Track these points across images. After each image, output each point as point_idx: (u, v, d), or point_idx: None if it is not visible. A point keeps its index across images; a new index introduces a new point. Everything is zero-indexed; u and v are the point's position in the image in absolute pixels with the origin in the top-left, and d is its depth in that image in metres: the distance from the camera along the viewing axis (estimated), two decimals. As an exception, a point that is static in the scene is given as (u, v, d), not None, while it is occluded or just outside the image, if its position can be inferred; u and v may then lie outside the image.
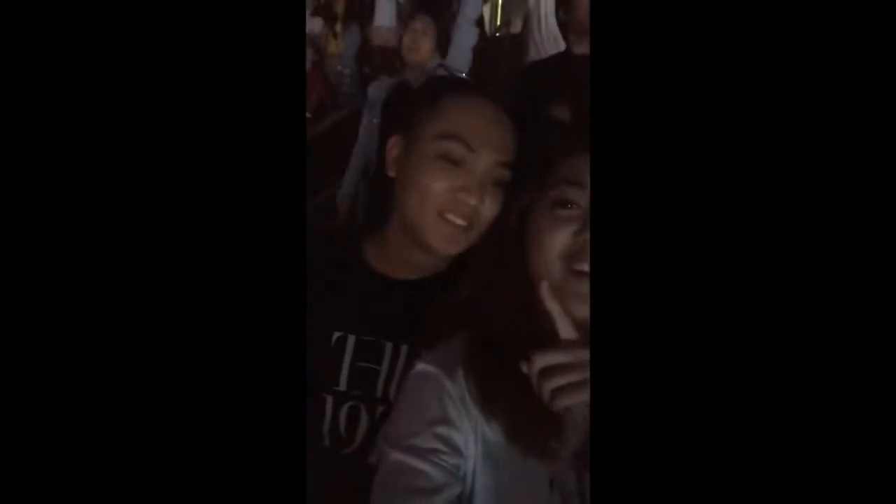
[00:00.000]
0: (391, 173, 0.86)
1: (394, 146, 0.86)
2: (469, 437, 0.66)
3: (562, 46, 1.97)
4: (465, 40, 1.61)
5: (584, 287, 0.66)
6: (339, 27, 2.06)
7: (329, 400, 0.83)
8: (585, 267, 0.67)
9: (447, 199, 0.79)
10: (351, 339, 0.84)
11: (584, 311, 0.66)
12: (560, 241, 0.69)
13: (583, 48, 1.86)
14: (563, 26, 1.97)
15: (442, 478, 0.63)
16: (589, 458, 0.60)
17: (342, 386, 0.83)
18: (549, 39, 2.16)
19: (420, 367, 0.69)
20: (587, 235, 0.67)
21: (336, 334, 0.84)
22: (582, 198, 0.69)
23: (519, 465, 0.64)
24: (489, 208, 0.80)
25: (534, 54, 2.32)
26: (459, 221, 0.80)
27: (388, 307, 0.84)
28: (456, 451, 0.65)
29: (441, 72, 2.08)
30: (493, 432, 0.65)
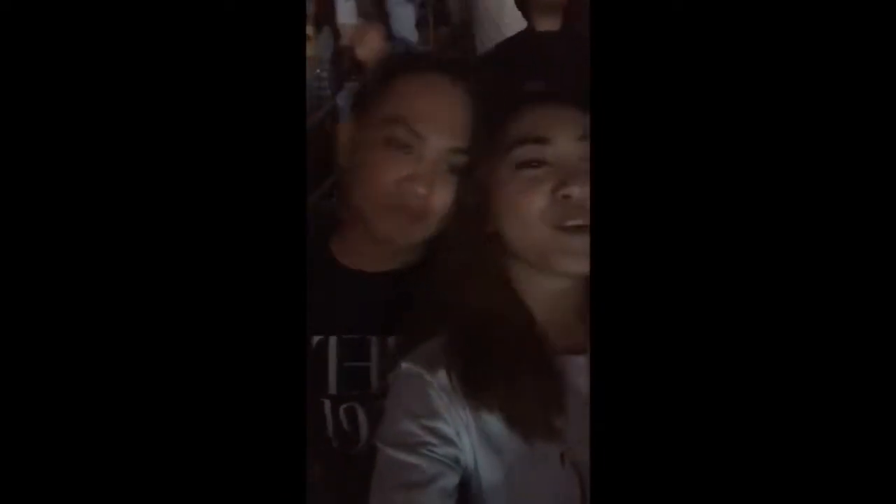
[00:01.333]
0: (341, 162, 0.84)
1: (341, 132, 0.84)
2: (460, 427, 0.65)
3: (523, 25, 2.05)
4: (404, 14, 1.62)
5: (578, 242, 0.65)
6: (310, 30, 2.08)
7: (327, 404, 0.82)
8: (570, 222, 0.66)
9: (394, 189, 0.74)
10: (332, 341, 0.81)
11: (576, 266, 0.66)
12: (537, 203, 0.67)
13: (547, 25, 1.95)
14: (521, 4, 2.04)
15: (434, 469, 0.63)
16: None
17: (332, 389, 0.81)
18: (509, 19, 2.24)
19: (403, 366, 0.69)
20: (569, 191, 0.66)
21: (316, 338, 0.81)
22: (547, 153, 0.67)
23: (524, 448, 0.64)
24: (442, 197, 0.75)
25: (495, 35, 2.40)
26: (408, 213, 0.75)
27: (363, 302, 0.81)
28: (447, 441, 0.65)
29: (398, 48, 2.06)
30: (490, 422, 0.65)
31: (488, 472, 0.65)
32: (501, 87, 0.77)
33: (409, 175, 0.74)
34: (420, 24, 2.64)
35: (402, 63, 0.85)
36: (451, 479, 0.64)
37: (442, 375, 0.67)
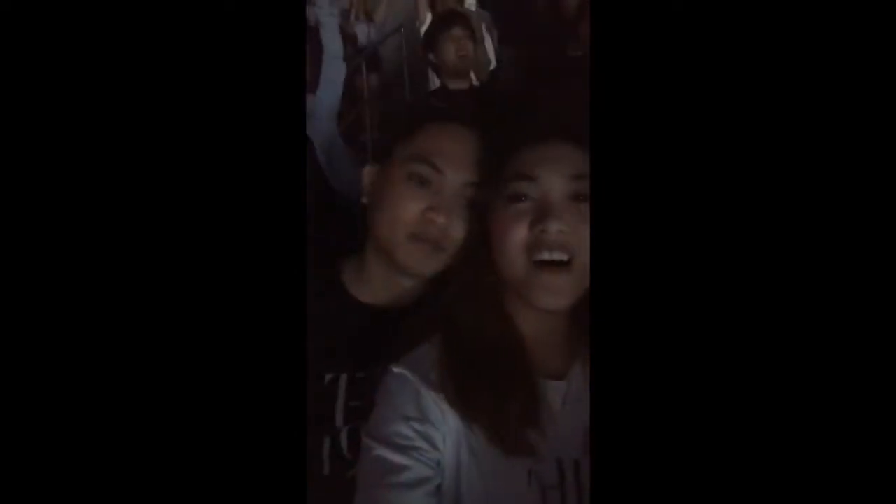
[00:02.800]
0: (364, 200, 0.89)
1: (368, 174, 0.89)
2: (445, 433, 0.67)
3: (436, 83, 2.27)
4: (332, 74, 1.64)
5: (555, 279, 0.68)
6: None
7: (327, 441, 0.83)
8: (545, 256, 0.68)
9: (417, 219, 0.80)
10: (343, 379, 0.83)
11: (552, 302, 0.69)
12: (519, 235, 0.69)
13: (458, 84, 2.17)
14: (435, 68, 2.27)
15: (423, 471, 0.64)
16: (575, 446, 0.66)
17: (338, 423, 0.83)
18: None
19: (396, 370, 0.71)
20: (544, 226, 0.68)
21: (328, 377, 0.83)
22: (533, 190, 0.70)
23: (500, 460, 0.66)
24: (458, 228, 0.80)
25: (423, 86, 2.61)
26: (428, 241, 0.80)
27: (376, 337, 0.82)
28: (434, 446, 0.66)
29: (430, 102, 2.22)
30: (474, 431, 0.67)
31: (468, 477, 0.67)
32: (506, 127, 0.84)
33: (429, 206, 0.80)
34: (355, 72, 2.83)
35: (424, 114, 1.02)
36: (435, 483, 0.66)
37: (432, 378, 0.69)
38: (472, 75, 2.30)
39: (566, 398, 0.71)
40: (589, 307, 0.52)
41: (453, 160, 0.81)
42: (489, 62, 2.69)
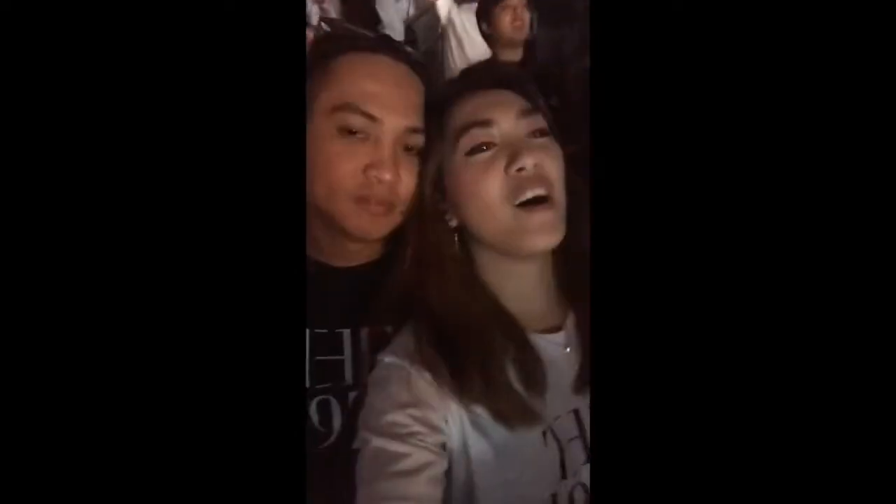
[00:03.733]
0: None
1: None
2: (447, 413, 0.65)
3: (488, 54, 2.33)
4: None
5: (540, 216, 0.66)
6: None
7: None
8: (528, 195, 0.66)
9: (358, 180, 0.70)
10: (307, 335, 0.78)
11: (542, 242, 0.67)
12: (495, 184, 0.66)
13: (510, 55, 2.23)
14: (487, 38, 2.32)
15: (424, 457, 0.63)
16: (588, 394, 0.65)
17: (307, 382, 0.77)
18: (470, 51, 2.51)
19: (384, 358, 0.69)
20: (520, 164, 0.65)
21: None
22: (492, 136, 0.67)
23: (507, 432, 0.65)
24: (406, 182, 0.72)
25: (461, 63, 2.67)
26: (376, 202, 0.71)
27: (335, 296, 0.78)
28: (434, 429, 0.64)
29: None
30: (477, 408, 0.66)
31: (478, 453, 0.65)
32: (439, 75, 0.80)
33: (371, 162, 0.70)
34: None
35: (339, 44, 0.76)
36: (440, 467, 0.64)
37: (422, 365, 0.67)
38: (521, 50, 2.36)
39: (568, 346, 0.71)
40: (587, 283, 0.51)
41: (388, 103, 0.70)
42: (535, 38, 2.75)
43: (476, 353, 0.66)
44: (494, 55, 2.27)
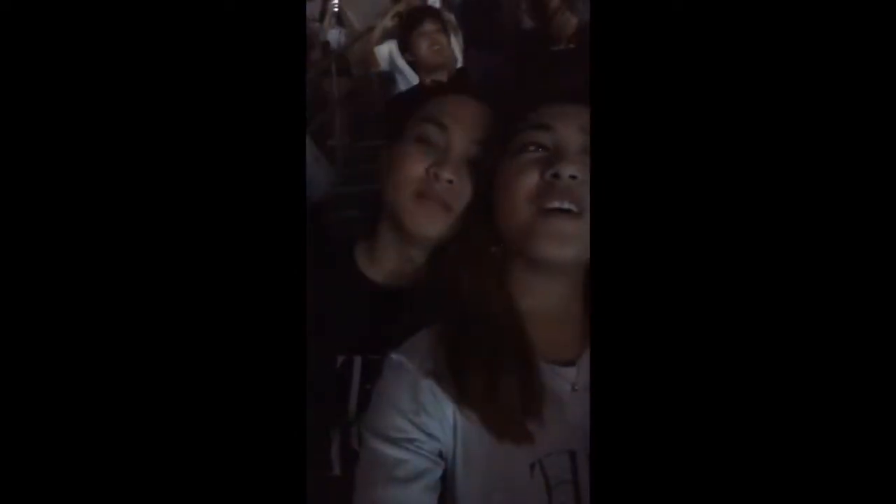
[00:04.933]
0: (377, 182, 0.87)
1: (383, 153, 0.87)
2: (443, 421, 0.65)
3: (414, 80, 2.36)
4: None
5: (561, 225, 0.64)
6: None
7: (337, 434, 0.79)
8: (555, 204, 0.64)
9: (422, 178, 0.78)
10: (357, 361, 0.80)
11: (557, 252, 0.65)
12: (528, 182, 0.66)
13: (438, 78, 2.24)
14: (412, 66, 2.35)
15: (420, 464, 0.62)
16: (589, 440, 0.59)
17: (351, 408, 0.79)
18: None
19: (394, 357, 0.68)
20: (557, 170, 0.64)
21: (340, 358, 0.80)
22: (547, 139, 0.67)
23: (496, 448, 0.63)
24: (465, 186, 0.78)
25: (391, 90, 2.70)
26: (436, 200, 0.78)
27: (387, 319, 0.78)
28: (432, 437, 0.64)
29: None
30: (470, 418, 0.64)
31: (463, 468, 0.64)
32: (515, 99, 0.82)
33: (436, 162, 0.78)
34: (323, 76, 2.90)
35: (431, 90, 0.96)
36: (435, 474, 0.63)
37: (428, 366, 0.66)
38: (445, 72, 2.39)
39: (576, 385, 0.67)
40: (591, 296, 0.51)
41: (459, 119, 0.80)
42: (456, 60, 2.80)
43: (483, 354, 0.65)
44: (421, 80, 2.30)
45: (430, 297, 0.73)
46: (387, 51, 2.66)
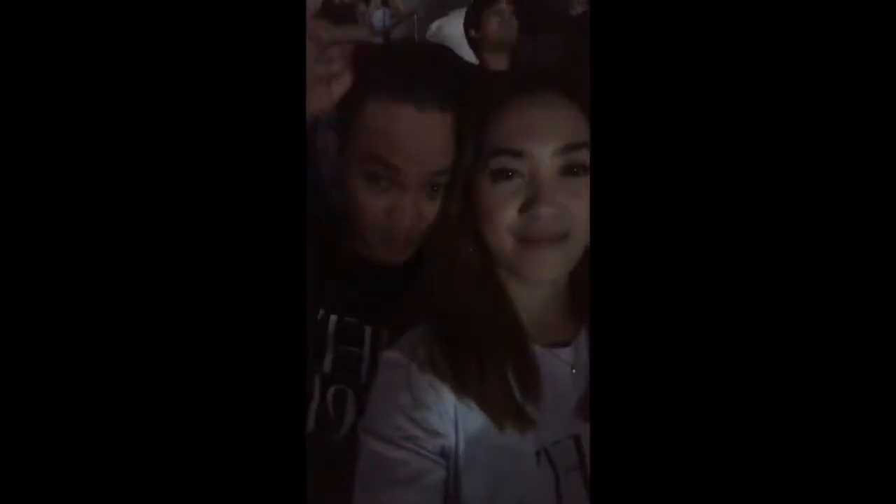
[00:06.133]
0: (331, 169, 0.83)
1: (330, 142, 0.80)
2: (444, 415, 0.64)
3: (475, 61, 2.23)
4: None
5: (536, 254, 0.65)
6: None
7: (317, 380, 0.80)
8: (535, 236, 0.64)
9: (383, 221, 0.76)
10: (333, 319, 0.82)
11: (542, 274, 0.66)
12: (508, 217, 0.65)
13: (497, 62, 2.15)
14: (474, 44, 2.23)
15: (420, 464, 0.61)
16: (589, 422, 0.62)
17: (326, 368, 0.81)
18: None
19: (388, 355, 0.68)
20: (535, 212, 0.64)
21: (321, 311, 0.82)
22: (520, 165, 0.64)
23: (500, 439, 0.63)
24: (427, 217, 0.76)
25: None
26: (398, 238, 0.77)
27: (370, 291, 0.81)
28: (433, 433, 0.63)
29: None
30: (472, 410, 0.64)
31: (468, 463, 0.64)
32: (478, 93, 0.72)
33: (393, 206, 0.75)
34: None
35: (366, 91, 0.74)
36: (438, 474, 0.62)
37: (424, 360, 0.65)
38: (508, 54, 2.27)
39: (575, 366, 0.69)
40: (589, 278, 0.50)
41: (413, 153, 0.72)
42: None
43: (477, 350, 0.65)
44: (481, 62, 2.19)
45: (421, 296, 0.72)
46: (439, 26, 2.54)
